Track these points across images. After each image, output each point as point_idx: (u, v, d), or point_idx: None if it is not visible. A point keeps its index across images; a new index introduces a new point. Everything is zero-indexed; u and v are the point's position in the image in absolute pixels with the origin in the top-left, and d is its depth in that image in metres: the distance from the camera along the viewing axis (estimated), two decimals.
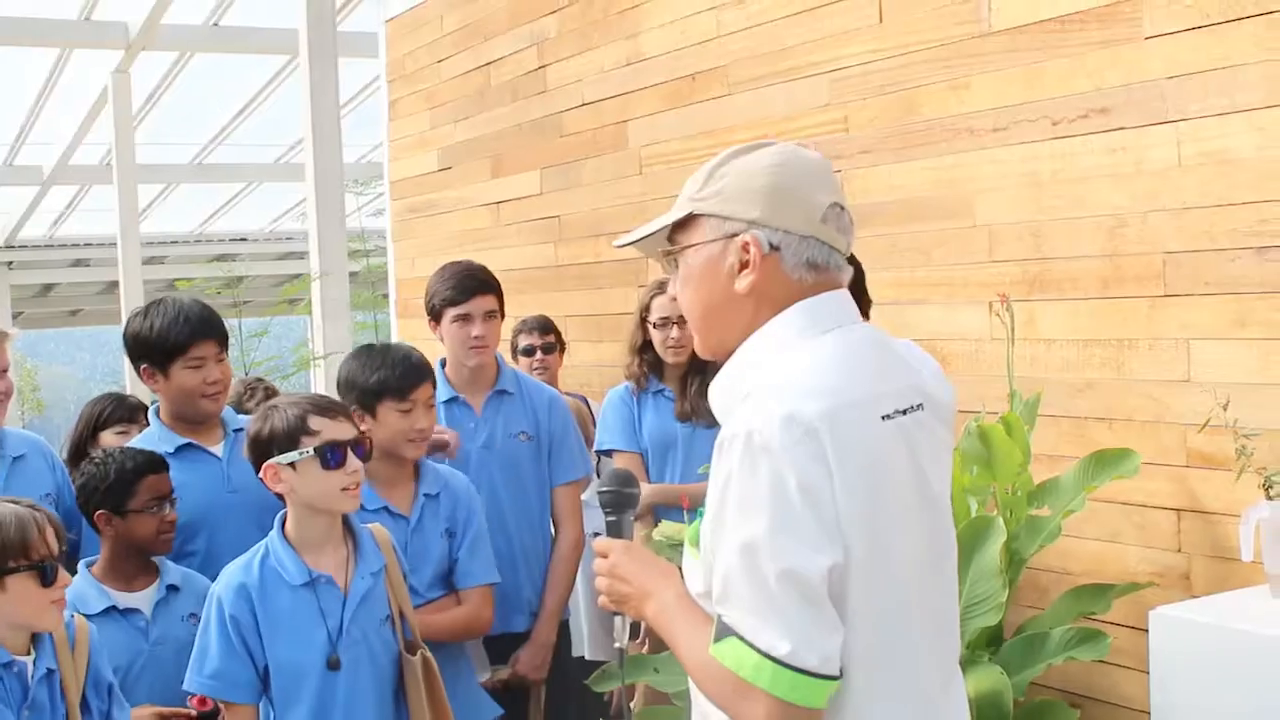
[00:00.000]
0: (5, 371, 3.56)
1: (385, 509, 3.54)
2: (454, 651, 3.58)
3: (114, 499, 3.34)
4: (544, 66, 6.23)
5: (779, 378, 1.93)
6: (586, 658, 4.72)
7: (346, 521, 3.16)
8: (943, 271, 4.20)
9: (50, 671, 2.84)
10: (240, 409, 4.62)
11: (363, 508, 3.45)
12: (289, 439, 3.03)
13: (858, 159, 4.40)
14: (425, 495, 3.61)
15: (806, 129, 4.62)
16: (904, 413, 1.97)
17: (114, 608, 3.29)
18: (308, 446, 3.02)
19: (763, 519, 1.81)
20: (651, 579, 2.11)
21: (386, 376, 3.57)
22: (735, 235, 2.00)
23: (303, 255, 15.66)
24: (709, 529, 1.93)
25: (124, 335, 3.72)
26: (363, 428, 3.54)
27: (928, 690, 2.03)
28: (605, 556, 2.20)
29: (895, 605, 1.94)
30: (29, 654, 2.80)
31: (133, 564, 3.38)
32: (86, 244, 19.38)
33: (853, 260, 2.13)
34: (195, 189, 17.30)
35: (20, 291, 20.57)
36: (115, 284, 15.32)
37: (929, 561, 2.03)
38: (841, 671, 1.84)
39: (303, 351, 10.15)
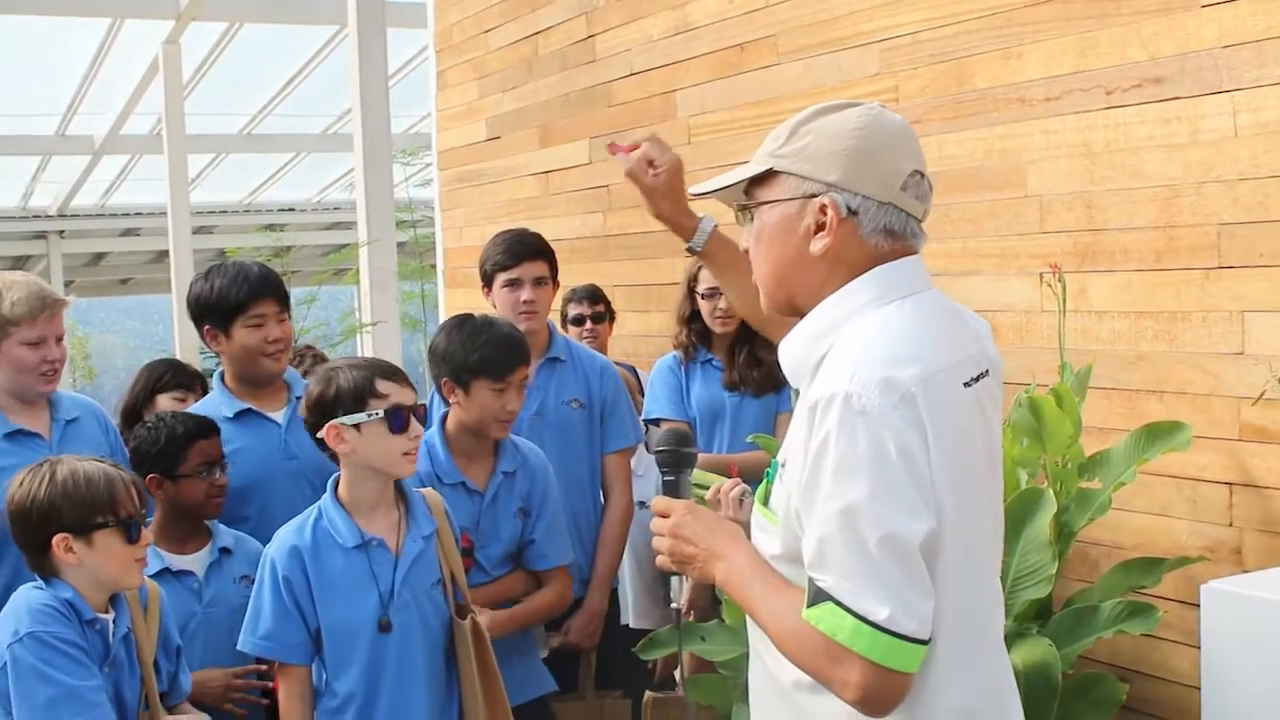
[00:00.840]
0: (60, 339, 3.61)
1: (462, 484, 3.56)
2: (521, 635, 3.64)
3: (165, 463, 3.39)
4: (592, 36, 6.22)
5: (866, 341, 1.92)
6: (631, 626, 4.74)
7: (398, 485, 3.18)
8: (993, 242, 4.17)
9: (128, 631, 2.89)
10: None
11: (439, 480, 3.48)
12: (356, 400, 3.04)
13: None
14: (503, 473, 3.62)
15: (856, 99, 4.58)
16: (977, 380, 1.98)
17: (167, 570, 3.35)
18: (376, 409, 3.03)
19: (863, 484, 1.81)
20: (719, 540, 2.11)
21: (488, 356, 3.54)
22: (813, 196, 2.00)
23: (349, 225, 15.71)
24: (797, 493, 1.92)
25: (187, 300, 3.77)
26: (452, 400, 3.56)
27: (997, 655, 2.06)
28: (666, 516, 2.19)
29: (976, 571, 1.97)
30: (109, 613, 2.85)
31: (184, 527, 3.43)
32: (137, 213, 19.51)
33: None
34: (244, 159, 17.38)
35: (72, 260, 20.75)
36: (165, 253, 15.42)
37: (997, 528, 2.06)
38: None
39: (350, 320, 10.20)
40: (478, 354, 3.54)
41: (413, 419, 3.06)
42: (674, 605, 2.33)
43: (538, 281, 4.12)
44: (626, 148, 2.57)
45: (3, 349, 3.52)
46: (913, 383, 1.84)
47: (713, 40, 5.42)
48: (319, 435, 3.09)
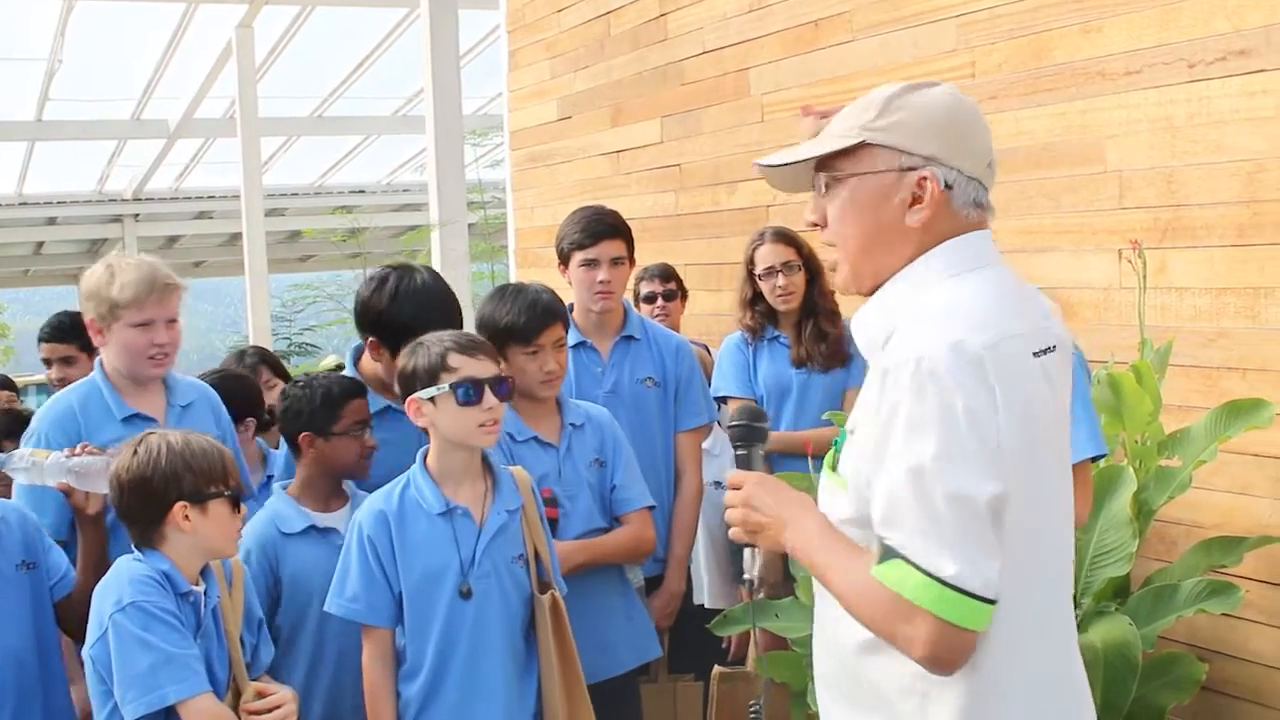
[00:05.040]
0: (172, 322, 3.62)
1: (535, 439, 3.59)
2: (624, 590, 3.68)
3: (319, 421, 3.45)
4: (664, 14, 6.21)
5: (937, 310, 1.96)
6: (706, 605, 4.74)
7: (486, 460, 3.22)
8: (1072, 218, 4.12)
9: (216, 604, 2.95)
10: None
11: (512, 438, 3.53)
12: (430, 375, 3.09)
13: (985, 105, 4.29)
14: (571, 425, 3.65)
15: (932, 75, 4.55)
16: (1045, 353, 1.99)
17: (313, 527, 3.42)
18: (445, 383, 3.08)
19: (931, 443, 1.85)
20: (789, 508, 2.15)
21: (513, 321, 3.59)
22: (912, 169, 2.04)
23: (419, 208, 15.80)
24: (867, 457, 1.96)
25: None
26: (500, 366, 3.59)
27: (1066, 628, 2.06)
28: (738, 489, 2.22)
29: (1044, 540, 1.98)
30: (200, 586, 2.90)
31: (328, 486, 3.50)
32: (210, 196, 19.77)
33: None
34: (315, 141, 17.53)
35: (146, 243, 21.00)
36: (238, 236, 15.61)
37: (1068, 500, 2.06)
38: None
39: None
40: (506, 319, 3.60)
41: (488, 391, 3.09)
42: (746, 577, 2.35)
43: (614, 261, 4.10)
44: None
45: (112, 331, 3.56)
46: (981, 347, 1.87)
47: (786, 17, 5.39)
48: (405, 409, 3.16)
